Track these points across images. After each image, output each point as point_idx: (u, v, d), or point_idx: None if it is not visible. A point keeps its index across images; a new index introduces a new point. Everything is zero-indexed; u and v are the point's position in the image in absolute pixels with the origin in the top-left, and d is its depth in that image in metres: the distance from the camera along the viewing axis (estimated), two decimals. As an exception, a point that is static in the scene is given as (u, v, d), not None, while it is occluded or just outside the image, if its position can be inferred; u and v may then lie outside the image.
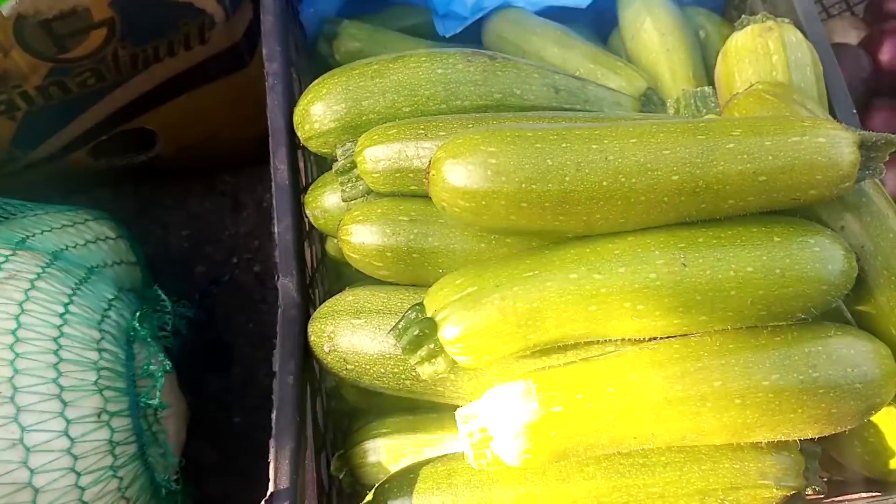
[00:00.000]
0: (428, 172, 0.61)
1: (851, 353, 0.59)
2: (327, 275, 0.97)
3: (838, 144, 0.58)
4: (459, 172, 0.58)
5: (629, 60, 1.01)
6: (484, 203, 0.58)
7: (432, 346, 0.60)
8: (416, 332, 0.60)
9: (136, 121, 0.99)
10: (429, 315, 0.61)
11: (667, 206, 0.58)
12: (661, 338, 0.61)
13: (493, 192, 0.58)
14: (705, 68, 0.99)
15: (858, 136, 0.59)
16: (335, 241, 0.93)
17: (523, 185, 0.57)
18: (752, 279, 0.58)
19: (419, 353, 0.61)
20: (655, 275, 0.58)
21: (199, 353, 1.01)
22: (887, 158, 0.61)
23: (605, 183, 0.57)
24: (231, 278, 1.10)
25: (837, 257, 0.59)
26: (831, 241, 0.59)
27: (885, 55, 1.14)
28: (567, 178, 0.57)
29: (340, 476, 0.76)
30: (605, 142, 0.57)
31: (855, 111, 0.85)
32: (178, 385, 0.84)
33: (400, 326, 0.61)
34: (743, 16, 0.89)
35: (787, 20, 0.88)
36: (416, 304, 0.62)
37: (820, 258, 0.58)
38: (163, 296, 0.85)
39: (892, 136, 0.60)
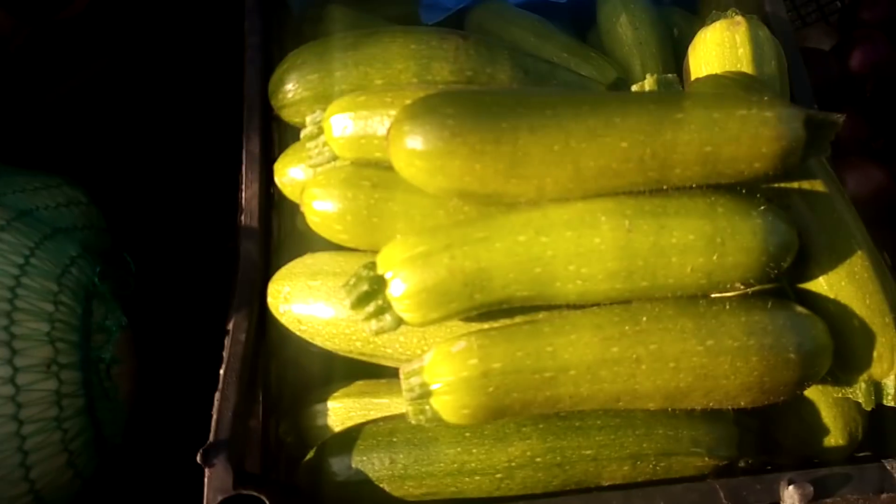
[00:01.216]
0: (388, 133, 0.63)
1: (787, 324, 0.61)
2: (297, 250, 0.98)
3: (785, 119, 0.59)
4: (416, 133, 0.59)
5: (603, 54, 1.03)
6: (439, 164, 0.60)
7: (380, 302, 0.61)
8: (365, 288, 0.61)
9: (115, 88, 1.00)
10: (379, 272, 0.62)
11: (615, 173, 0.59)
12: (603, 304, 0.62)
13: (449, 153, 0.59)
14: (676, 63, 1.01)
15: (805, 113, 0.60)
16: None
17: (477, 147, 0.58)
18: (694, 247, 0.59)
19: (367, 308, 0.62)
20: (600, 239, 0.59)
21: (159, 321, 1.01)
22: (833, 138, 0.62)
23: (556, 147, 0.58)
24: (198, 251, 1.10)
25: (779, 230, 0.60)
26: (774, 215, 0.61)
27: (854, 61, 1.16)
28: (521, 141, 0.58)
29: (288, 439, 0.77)
30: (559, 108, 0.59)
31: (816, 106, 0.87)
32: (135, 348, 0.85)
33: (351, 282, 0.62)
34: (714, 11, 0.92)
35: (755, 17, 0.90)
36: (369, 262, 0.63)
37: (761, 229, 0.60)
38: (128, 258, 0.85)
39: (838, 115, 0.61)
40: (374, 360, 0.72)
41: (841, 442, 0.69)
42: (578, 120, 0.59)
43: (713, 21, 0.91)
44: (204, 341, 0.87)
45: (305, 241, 0.95)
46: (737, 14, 0.90)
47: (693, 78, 0.90)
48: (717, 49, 0.88)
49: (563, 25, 1.10)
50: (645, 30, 1.02)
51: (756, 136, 0.59)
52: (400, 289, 0.60)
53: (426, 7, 1.14)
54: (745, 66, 0.85)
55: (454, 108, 0.60)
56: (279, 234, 0.88)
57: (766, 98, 0.61)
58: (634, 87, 0.87)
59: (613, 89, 0.92)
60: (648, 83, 0.86)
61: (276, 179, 0.83)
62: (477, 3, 1.12)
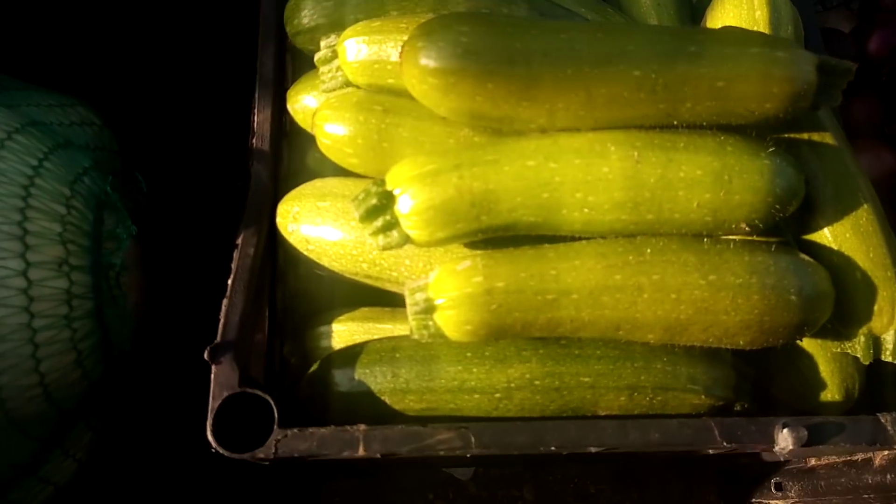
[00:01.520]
0: (402, 51, 0.63)
1: (790, 266, 0.61)
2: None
3: (797, 61, 0.60)
4: (430, 49, 0.60)
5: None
6: (452, 81, 0.60)
7: (388, 217, 0.62)
8: (373, 203, 0.62)
9: None
10: (388, 189, 0.62)
11: (626, 102, 0.60)
12: (609, 236, 0.63)
13: (461, 71, 0.59)
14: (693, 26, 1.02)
15: (818, 58, 0.61)
16: (316, 154, 0.95)
17: (491, 66, 0.59)
18: (701, 182, 0.60)
19: (375, 223, 0.62)
20: (608, 168, 0.60)
21: (170, 241, 1.02)
22: (845, 86, 0.63)
23: (569, 71, 0.59)
24: (206, 183, 1.11)
25: (787, 173, 0.61)
26: (782, 158, 0.62)
27: (872, 44, 1.16)
28: (534, 63, 0.59)
29: (292, 360, 0.78)
30: (574, 33, 0.60)
31: (830, 73, 0.88)
32: (144, 262, 0.86)
33: (360, 197, 0.63)
34: (733, -27, 0.92)
35: (774, -19, 0.91)
36: (379, 179, 0.64)
37: (770, 170, 0.60)
38: (139, 177, 0.86)
39: (850, 63, 0.62)
40: (378, 284, 0.72)
41: (837, 397, 0.70)
42: (592, 46, 0.59)
43: (733, -17, 0.92)
44: (211, 262, 0.88)
45: (315, 177, 0.96)
46: (758, -23, 0.91)
47: (709, 37, 0.90)
48: (735, 10, 0.88)
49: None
50: (664, -8, 1.02)
51: (767, 75, 0.59)
52: (408, 205, 0.61)
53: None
54: (762, 28, 0.86)
55: (469, 27, 0.60)
56: (288, 167, 0.89)
57: (780, 38, 0.62)
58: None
59: (630, 44, 0.92)
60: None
61: (289, 107, 0.84)
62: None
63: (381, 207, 0.62)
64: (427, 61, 0.60)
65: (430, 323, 0.61)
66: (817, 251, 0.67)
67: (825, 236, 0.67)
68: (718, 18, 0.90)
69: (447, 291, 0.59)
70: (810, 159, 0.68)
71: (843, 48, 1.15)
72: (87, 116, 0.95)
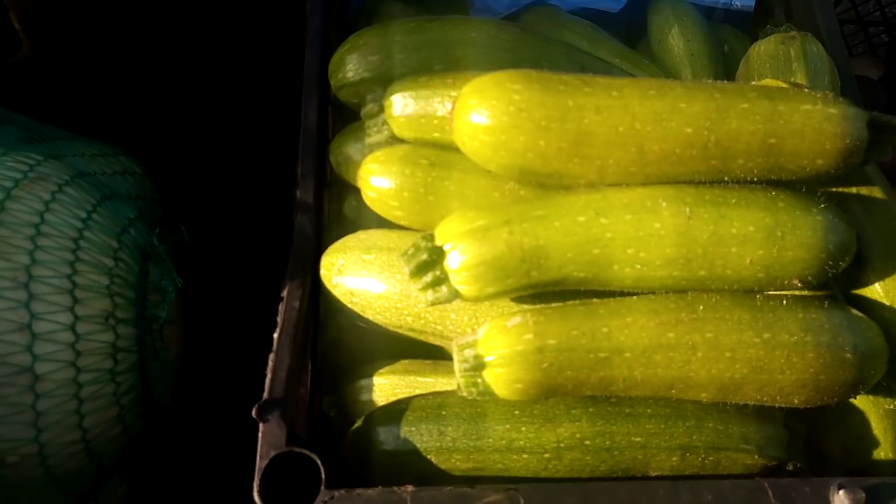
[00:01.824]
0: (453, 107, 0.64)
1: (844, 324, 0.61)
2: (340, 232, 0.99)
3: (849, 117, 0.60)
4: (483, 106, 0.61)
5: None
6: (503, 139, 0.61)
7: (438, 272, 0.62)
8: (423, 258, 0.62)
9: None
10: (438, 244, 0.62)
11: (678, 159, 0.60)
12: (659, 292, 0.62)
13: (514, 128, 0.60)
14: (727, 76, 1.02)
15: (869, 114, 0.61)
16: (353, 202, 0.96)
17: (543, 123, 0.60)
18: (754, 238, 0.59)
19: (424, 278, 0.62)
20: (660, 224, 0.60)
21: (210, 292, 1.03)
22: (894, 142, 0.63)
23: (621, 128, 0.59)
24: (248, 228, 1.12)
25: (839, 229, 0.61)
26: (835, 213, 0.61)
27: (903, 91, 1.17)
28: (586, 120, 0.59)
29: (332, 413, 0.77)
30: (625, 90, 0.60)
31: (868, 124, 0.88)
32: (185, 315, 0.86)
33: (409, 252, 0.63)
34: (768, 25, 0.93)
35: (809, 33, 0.91)
36: (428, 234, 0.64)
37: (822, 226, 0.60)
38: (181, 227, 0.87)
39: (901, 119, 0.62)
40: (422, 338, 0.72)
41: (891, 455, 0.68)
42: (644, 103, 0.60)
43: (767, 34, 0.93)
44: (251, 312, 0.89)
45: (353, 227, 0.97)
46: (792, 29, 0.92)
47: (746, 88, 0.91)
48: (772, 62, 0.89)
49: (614, 35, 1.12)
50: (696, 42, 1.03)
51: (820, 132, 0.60)
52: (458, 260, 0.61)
53: (478, 11, 1.16)
54: (800, 79, 0.87)
55: (521, 85, 0.61)
56: (329, 215, 0.90)
57: (830, 95, 0.62)
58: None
59: (666, 95, 0.93)
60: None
61: (331, 158, 0.85)
62: (529, 7, 1.14)
63: (430, 263, 0.62)
64: (479, 118, 0.61)
65: (480, 380, 0.60)
66: (869, 306, 0.67)
67: (876, 291, 0.67)
68: (754, 69, 0.91)
69: (497, 349, 0.59)
70: (858, 213, 0.67)
71: (875, 96, 1.16)
72: (129, 166, 0.96)
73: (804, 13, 1.01)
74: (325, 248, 0.85)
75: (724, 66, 1.05)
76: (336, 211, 0.96)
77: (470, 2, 1.15)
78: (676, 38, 1.04)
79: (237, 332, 0.95)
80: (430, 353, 0.78)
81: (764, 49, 0.91)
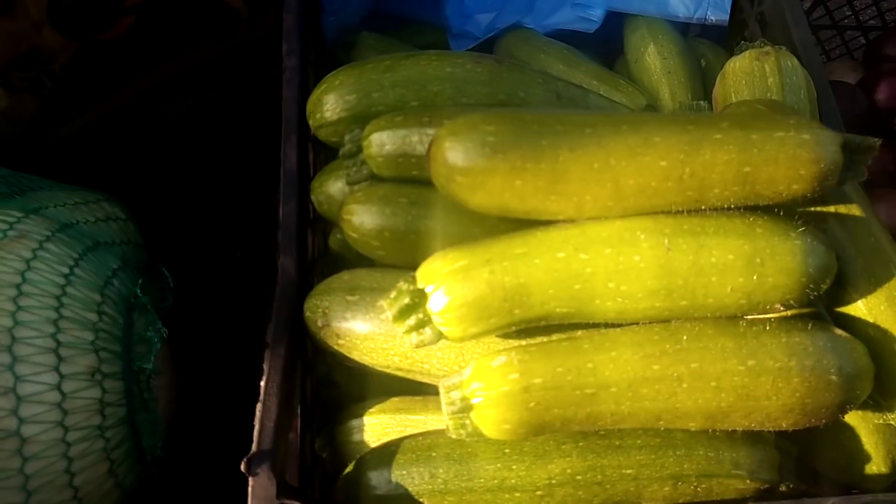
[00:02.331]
0: (428, 150, 0.64)
1: (828, 345, 0.61)
2: (328, 271, 0.99)
3: (823, 142, 0.60)
4: (458, 149, 0.61)
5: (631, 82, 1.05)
6: (480, 180, 0.61)
7: (421, 315, 0.62)
8: (406, 302, 0.62)
9: (156, 109, 1.03)
10: (420, 286, 0.62)
11: (654, 192, 0.60)
12: (642, 322, 0.62)
13: (490, 169, 0.60)
14: (704, 92, 1.03)
15: (843, 136, 0.61)
16: (338, 235, 0.96)
17: (518, 164, 0.60)
18: (734, 266, 0.60)
19: (408, 322, 0.62)
20: (640, 257, 0.60)
21: (196, 339, 1.03)
22: (869, 162, 0.63)
23: (596, 165, 0.59)
24: (234, 270, 1.12)
25: (818, 251, 0.61)
26: (813, 237, 0.61)
27: (881, 95, 1.17)
28: (561, 159, 0.60)
29: (324, 455, 0.77)
30: (599, 127, 0.60)
31: (846, 135, 0.88)
32: (172, 361, 0.86)
33: (391, 296, 0.63)
34: (742, 41, 0.93)
35: (784, 48, 0.92)
36: (409, 276, 0.64)
37: (801, 250, 0.60)
38: (165, 272, 0.87)
39: (875, 139, 0.62)
40: (410, 376, 0.72)
41: (883, 469, 0.68)
42: (618, 138, 0.60)
43: (742, 51, 0.93)
44: (241, 354, 0.88)
45: (338, 262, 0.97)
46: (766, 44, 0.92)
47: (722, 107, 0.91)
48: (747, 78, 0.89)
49: (591, 54, 1.13)
50: (673, 59, 1.04)
51: (794, 158, 0.60)
52: (440, 302, 0.61)
53: (456, 36, 1.17)
54: (775, 96, 0.87)
55: (495, 126, 0.61)
56: (313, 253, 0.90)
57: (803, 120, 0.62)
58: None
59: (644, 116, 0.93)
60: (680, 109, 0.88)
61: (313, 197, 0.85)
62: (506, 31, 1.15)
63: (413, 306, 0.62)
64: (455, 161, 0.61)
65: (468, 422, 0.60)
66: (852, 324, 0.67)
67: (860, 309, 0.67)
68: (730, 86, 0.91)
69: (483, 390, 0.59)
70: (838, 232, 0.68)
71: (854, 101, 1.16)
72: (112, 211, 0.96)
73: (778, 26, 1.01)
74: (312, 285, 0.86)
75: (702, 82, 1.05)
76: (321, 245, 0.96)
77: (447, 28, 1.16)
78: (653, 57, 1.04)
79: (228, 375, 0.95)
80: (421, 387, 0.77)
81: (739, 66, 0.91)
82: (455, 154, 0.61)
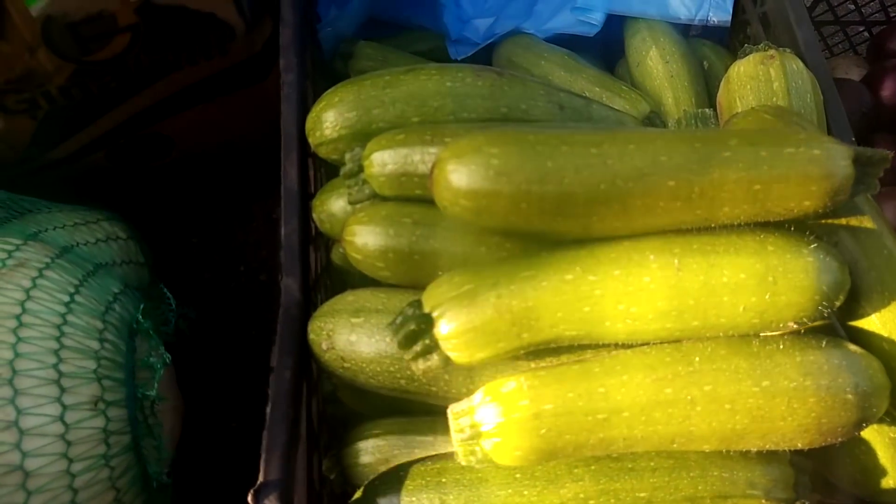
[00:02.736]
0: (432, 172, 0.63)
1: (843, 363, 0.59)
2: (330, 284, 0.98)
3: (833, 157, 0.59)
4: (461, 172, 0.60)
5: (634, 87, 1.04)
6: (484, 203, 0.60)
7: (427, 341, 0.61)
8: (412, 327, 0.61)
9: (154, 127, 1.02)
10: (426, 311, 0.61)
11: (663, 212, 0.59)
12: (653, 343, 0.61)
13: (494, 193, 0.59)
14: (708, 96, 1.02)
15: (853, 150, 0.60)
16: (340, 249, 0.95)
17: (523, 186, 0.59)
18: (746, 285, 0.58)
19: (414, 348, 0.61)
20: (650, 278, 0.59)
21: (200, 357, 1.02)
22: (881, 174, 0.62)
23: (602, 186, 0.58)
24: (236, 285, 1.11)
25: (831, 268, 0.60)
26: (825, 253, 0.60)
27: (886, 91, 1.16)
28: (566, 181, 0.58)
29: (332, 476, 0.76)
30: (605, 146, 0.59)
31: (854, 139, 0.87)
32: (177, 385, 0.85)
33: (397, 322, 0.62)
34: (745, 45, 0.92)
35: (788, 50, 0.91)
36: (414, 301, 0.63)
37: (813, 268, 0.59)
38: (168, 294, 0.86)
39: (886, 152, 0.61)
40: (418, 398, 0.71)
41: (898, 483, 0.68)
42: (624, 159, 0.59)
43: (746, 54, 0.92)
44: (247, 372, 0.87)
45: (341, 275, 0.96)
46: (770, 47, 0.91)
47: (728, 112, 0.90)
48: (752, 83, 0.88)
49: (591, 58, 1.11)
50: (675, 63, 1.02)
51: (805, 175, 0.59)
52: (447, 328, 0.60)
53: (454, 42, 1.16)
54: (781, 100, 0.86)
55: (499, 148, 0.60)
56: (316, 268, 0.89)
57: (812, 135, 0.61)
58: (671, 123, 0.88)
59: (647, 123, 0.92)
60: (684, 120, 0.87)
61: (314, 216, 0.84)
62: (505, 37, 1.13)
63: (419, 332, 0.61)
64: (458, 184, 0.60)
65: (478, 449, 0.59)
66: (866, 339, 0.66)
67: (874, 323, 0.65)
68: (735, 91, 0.90)
69: (493, 417, 0.58)
70: (850, 245, 0.66)
71: (860, 99, 1.15)
72: (112, 231, 0.95)
73: (781, 26, 1.00)
74: (316, 304, 0.85)
75: (706, 85, 1.04)
76: (324, 260, 0.95)
77: (445, 34, 1.15)
78: (655, 61, 1.03)
79: (233, 393, 0.94)
80: (429, 406, 0.76)
81: (743, 70, 0.89)
82: (458, 177, 0.59)
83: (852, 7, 1.33)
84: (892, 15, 1.30)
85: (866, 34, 1.34)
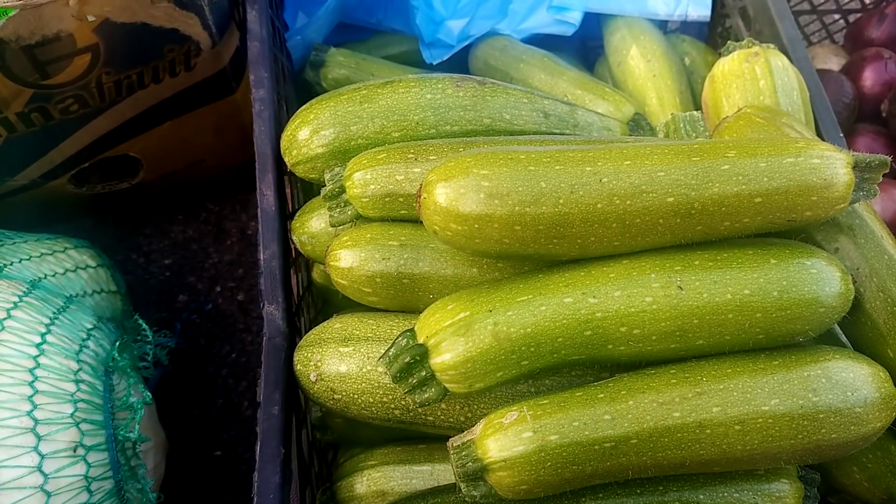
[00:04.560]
0: (419, 196, 0.60)
1: (851, 376, 0.58)
2: (313, 303, 0.95)
3: (833, 165, 0.57)
4: (452, 195, 0.57)
5: (615, 87, 1.02)
6: (477, 227, 0.57)
7: (423, 373, 0.58)
8: (406, 360, 0.58)
9: (120, 147, 0.97)
10: (420, 342, 0.59)
11: (662, 229, 0.57)
12: (657, 363, 0.59)
13: (487, 216, 0.56)
14: (691, 93, 1.00)
15: (853, 157, 0.59)
16: (321, 267, 0.92)
17: (517, 209, 0.56)
18: (750, 302, 0.57)
19: (410, 380, 0.59)
20: (651, 298, 0.57)
21: (181, 384, 0.98)
22: (881, 179, 0.60)
23: (599, 205, 0.56)
24: (214, 307, 1.07)
25: (834, 279, 0.58)
26: (828, 263, 0.59)
27: (866, 81, 1.15)
28: (561, 201, 0.56)
29: (328, 510, 0.73)
30: (599, 164, 0.57)
31: (842, 135, 0.86)
32: (157, 417, 0.82)
33: (390, 354, 0.59)
34: (728, 42, 0.90)
35: (772, 46, 0.89)
36: (407, 331, 0.60)
37: (817, 280, 0.57)
38: (143, 325, 0.82)
39: (885, 157, 0.59)
40: (413, 428, 0.68)
41: (905, 489, 0.67)
42: (620, 177, 0.56)
43: (729, 52, 0.90)
44: (225, 401, 0.84)
45: (324, 294, 0.93)
46: (753, 44, 0.89)
47: (713, 111, 0.88)
48: (738, 81, 0.86)
49: (570, 59, 1.09)
50: (657, 61, 1.00)
51: (806, 186, 0.57)
52: (443, 359, 0.57)
53: (428, 45, 1.12)
54: (768, 99, 0.84)
55: (489, 169, 0.57)
56: (298, 290, 0.85)
57: (810, 141, 0.59)
58: (659, 127, 0.86)
59: (633, 125, 0.90)
60: (673, 124, 0.85)
61: (294, 237, 0.80)
62: (481, 39, 1.10)
63: (413, 364, 0.58)
64: (448, 208, 0.57)
65: (481, 484, 0.57)
66: (871, 346, 0.64)
67: (877, 329, 0.64)
68: (721, 90, 0.88)
69: (497, 451, 0.55)
70: (850, 251, 0.65)
71: (841, 90, 1.14)
72: (81, 260, 0.91)
73: (763, 20, 0.98)
74: (300, 329, 0.82)
75: (689, 82, 1.02)
76: (306, 280, 0.92)
77: (419, 37, 1.11)
78: (636, 60, 1.01)
79: (215, 423, 0.90)
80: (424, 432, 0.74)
81: (728, 68, 0.87)
82: (448, 201, 0.57)
83: (828, -5, 1.32)
84: (868, 3, 1.29)
85: (842, 22, 1.33)
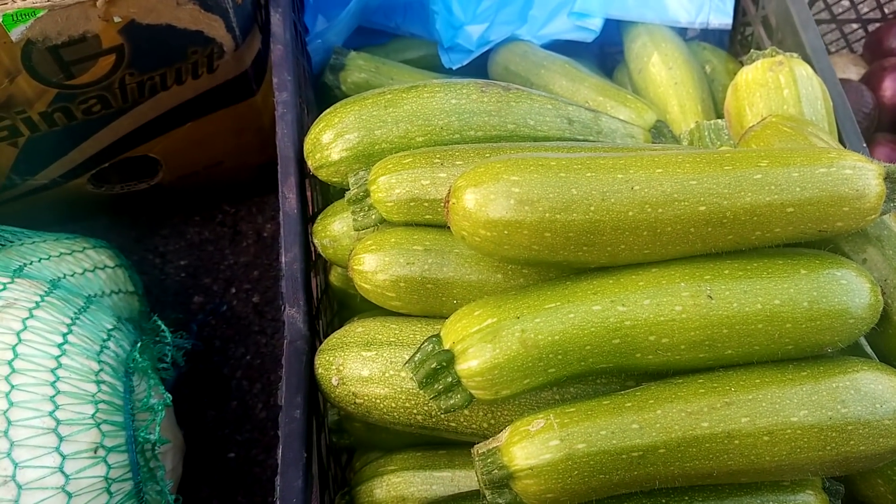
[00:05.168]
0: (447, 201, 0.60)
1: (880, 388, 0.57)
2: (329, 306, 0.95)
3: (865, 176, 0.57)
4: (481, 201, 0.57)
5: (636, 94, 1.01)
6: (506, 233, 0.57)
7: (449, 379, 0.58)
8: (433, 365, 0.58)
9: (140, 148, 0.97)
10: (446, 347, 0.58)
11: (693, 237, 0.57)
12: (684, 372, 0.59)
13: (516, 222, 0.56)
14: (713, 101, 0.99)
15: (884, 168, 0.58)
16: (339, 270, 0.91)
17: (547, 215, 0.56)
18: (780, 312, 0.56)
19: (435, 386, 0.58)
20: (681, 307, 0.56)
21: (196, 386, 0.98)
22: (912, 192, 0.60)
23: (631, 213, 0.56)
24: (229, 309, 1.07)
25: (864, 290, 0.58)
26: (857, 274, 0.58)
27: (886, 91, 1.15)
28: (592, 208, 0.56)
29: (347, 516, 0.73)
30: (631, 171, 0.56)
31: (865, 145, 0.85)
32: (175, 419, 0.81)
33: (416, 359, 0.59)
34: (752, 50, 0.90)
35: (795, 55, 0.88)
36: (433, 336, 0.60)
37: (847, 291, 0.57)
38: (162, 326, 0.82)
39: (917, 168, 0.59)
40: (435, 434, 0.68)
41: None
42: (652, 185, 0.56)
43: (753, 60, 0.89)
44: (241, 403, 0.84)
45: (341, 297, 0.93)
46: (777, 53, 0.89)
47: (736, 119, 0.88)
48: (762, 90, 0.86)
49: (589, 65, 1.09)
50: (679, 69, 1.00)
51: (838, 196, 0.56)
52: (470, 366, 0.57)
53: (447, 50, 1.12)
54: (792, 108, 0.84)
55: (519, 175, 0.57)
56: (318, 294, 0.85)
57: (842, 152, 0.59)
58: (683, 134, 0.85)
59: (655, 133, 0.90)
60: (697, 132, 0.85)
61: (315, 241, 0.80)
62: (501, 44, 1.10)
63: (439, 370, 0.58)
64: (478, 215, 0.57)
65: (506, 491, 0.56)
66: (897, 357, 0.64)
67: (905, 341, 0.64)
68: (744, 98, 0.88)
69: (523, 459, 0.55)
70: (878, 261, 0.64)
71: (861, 99, 1.13)
72: (99, 260, 0.91)
73: (786, 30, 0.98)
74: (320, 333, 0.81)
75: (710, 90, 1.02)
76: (324, 283, 0.92)
77: (438, 41, 1.11)
78: (658, 67, 1.01)
79: (230, 424, 0.90)
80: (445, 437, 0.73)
81: (752, 77, 0.87)
82: (478, 207, 0.57)
83: (847, 4, 1.31)
84: (888, 13, 1.29)
85: (862, 32, 1.33)
